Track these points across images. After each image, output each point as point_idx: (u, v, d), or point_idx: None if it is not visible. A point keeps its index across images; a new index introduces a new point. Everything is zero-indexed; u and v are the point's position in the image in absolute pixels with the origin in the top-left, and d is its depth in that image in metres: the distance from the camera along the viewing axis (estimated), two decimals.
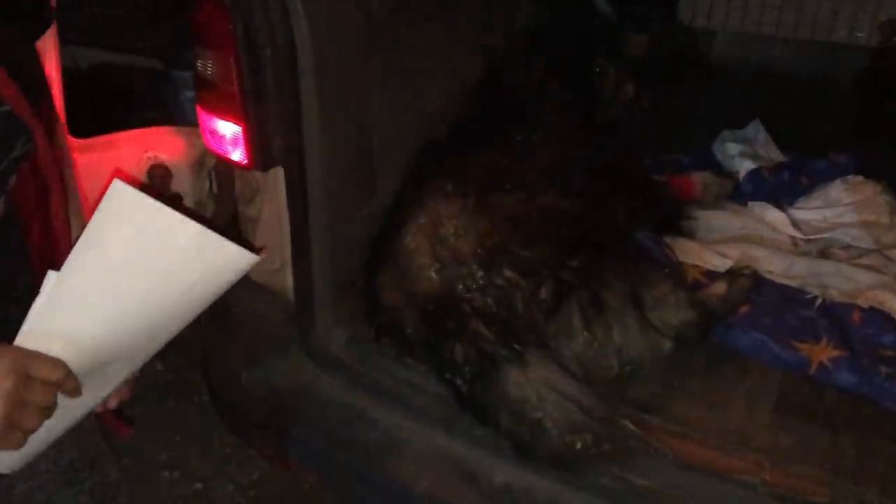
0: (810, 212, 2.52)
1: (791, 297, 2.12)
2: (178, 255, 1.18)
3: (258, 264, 2.12)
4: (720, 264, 2.25)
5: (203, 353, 2.17)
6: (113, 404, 1.36)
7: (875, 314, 2.01)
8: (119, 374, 1.25)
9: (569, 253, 1.87)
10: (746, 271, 2.13)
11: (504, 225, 1.87)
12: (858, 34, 3.68)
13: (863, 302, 2.09)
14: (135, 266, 1.16)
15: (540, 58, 2.38)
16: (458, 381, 1.74)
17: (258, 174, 1.99)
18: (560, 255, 1.86)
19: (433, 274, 1.82)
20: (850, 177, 2.59)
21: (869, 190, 2.51)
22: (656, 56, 3.96)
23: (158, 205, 1.15)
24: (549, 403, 1.66)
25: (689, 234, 2.39)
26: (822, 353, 1.91)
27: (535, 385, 1.67)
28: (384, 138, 2.13)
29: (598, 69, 2.44)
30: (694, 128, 3.14)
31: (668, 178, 2.58)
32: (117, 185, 1.13)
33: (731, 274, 2.13)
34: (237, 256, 1.25)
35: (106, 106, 2.75)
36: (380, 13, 2.18)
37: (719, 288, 2.06)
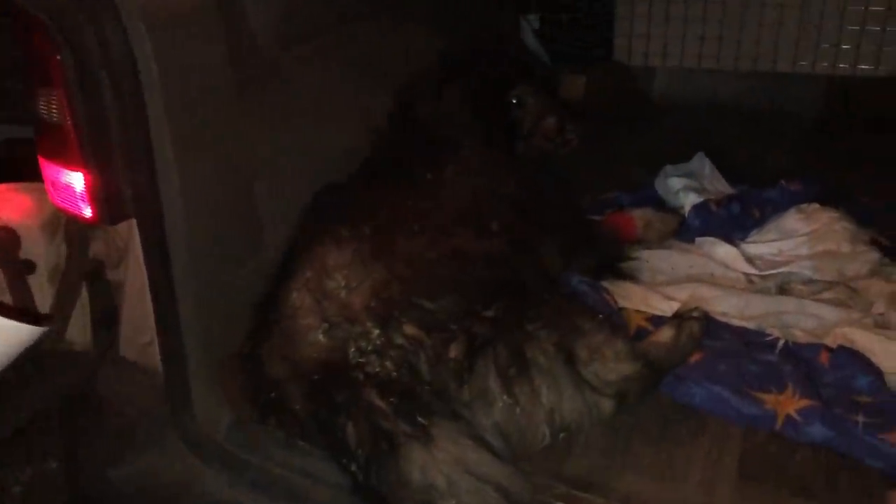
0: (764, 245, 2.27)
1: (749, 341, 1.84)
2: None
3: (128, 337, 1.84)
4: (667, 308, 1.98)
5: (64, 448, 1.82)
6: None
7: (845, 354, 1.73)
8: None
9: (484, 302, 1.58)
10: (696, 313, 1.86)
11: (406, 272, 1.58)
12: (801, 63, 3.52)
13: (830, 341, 1.82)
14: None
15: (452, 88, 2.13)
16: (353, 467, 1.42)
17: (124, 232, 1.71)
18: (473, 304, 1.57)
19: (321, 336, 1.52)
20: (804, 205, 2.35)
21: (826, 217, 2.27)
22: (595, 97, 3.78)
23: None
24: (462, 489, 1.35)
25: (631, 277, 2.12)
26: (789, 403, 1.62)
27: (444, 466, 1.36)
28: (272, 183, 1.85)
29: (514, 100, 2.19)
30: (635, 165, 2.92)
31: (605, 217, 2.32)
32: None
33: (679, 318, 1.85)
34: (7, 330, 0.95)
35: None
36: (266, 49, 1.94)
37: (665, 335, 1.78)
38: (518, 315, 1.58)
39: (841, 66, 3.43)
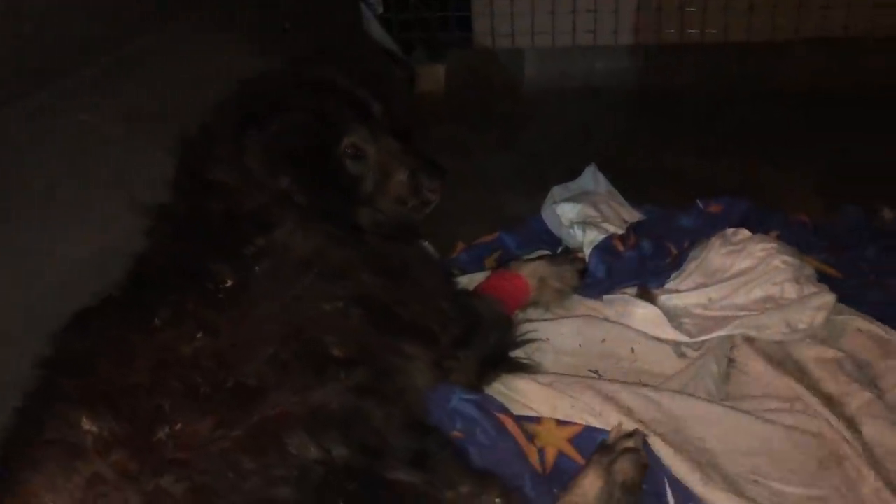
0: (689, 295, 1.77)
1: None
2: None
3: None
4: (592, 419, 1.44)
5: None
6: None
7: None
8: None
9: None
10: (632, 442, 1.33)
11: (176, 495, 0.96)
12: (710, 31, 3.02)
13: None
14: None
15: (255, 139, 1.47)
16: None
17: None
18: None
19: None
20: (729, 231, 1.86)
21: (760, 251, 1.78)
22: (457, 89, 3.21)
23: None
24: None
25: (530, 367, 1.58)
26: None
27: None
28: None
29: (349, 150, 1.53)
30: (512, 186, 2.39)
31: (487, 281, 1.75)
32: None
33: (609, 452, 1.32)
34: None
35: None
36: None
37: (591, 489, 1.24)
38: None
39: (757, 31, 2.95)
